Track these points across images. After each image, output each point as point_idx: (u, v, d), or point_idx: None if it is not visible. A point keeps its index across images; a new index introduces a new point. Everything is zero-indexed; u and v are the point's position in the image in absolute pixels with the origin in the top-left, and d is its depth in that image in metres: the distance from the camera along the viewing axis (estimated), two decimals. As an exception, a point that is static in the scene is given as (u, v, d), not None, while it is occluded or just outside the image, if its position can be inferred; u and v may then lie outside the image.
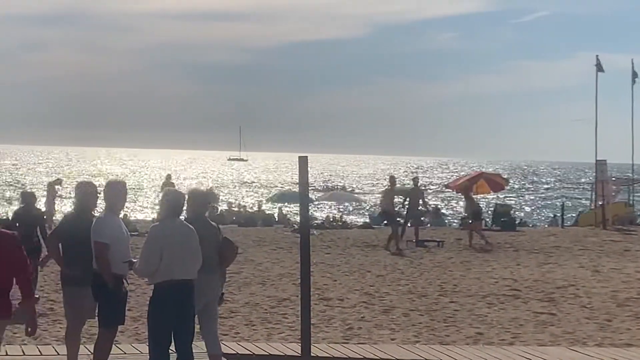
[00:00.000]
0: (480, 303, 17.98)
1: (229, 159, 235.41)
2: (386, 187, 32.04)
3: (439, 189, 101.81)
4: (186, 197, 10.55)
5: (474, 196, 33.85)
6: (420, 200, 30.88)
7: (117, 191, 10.40)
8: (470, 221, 31.38)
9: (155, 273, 9.53)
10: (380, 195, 31.06)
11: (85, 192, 10.80)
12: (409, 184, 46.10)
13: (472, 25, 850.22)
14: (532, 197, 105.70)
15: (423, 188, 32.31)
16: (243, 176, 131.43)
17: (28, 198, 18.48)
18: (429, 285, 20.37)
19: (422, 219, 33.38)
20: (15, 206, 28.69)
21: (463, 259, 25.93)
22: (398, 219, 29.50)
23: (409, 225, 30.16)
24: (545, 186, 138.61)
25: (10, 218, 20.83)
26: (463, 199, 32.95)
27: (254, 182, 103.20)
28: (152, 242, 9.58)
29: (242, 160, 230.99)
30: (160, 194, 11.37)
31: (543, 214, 75.31)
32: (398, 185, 34.28)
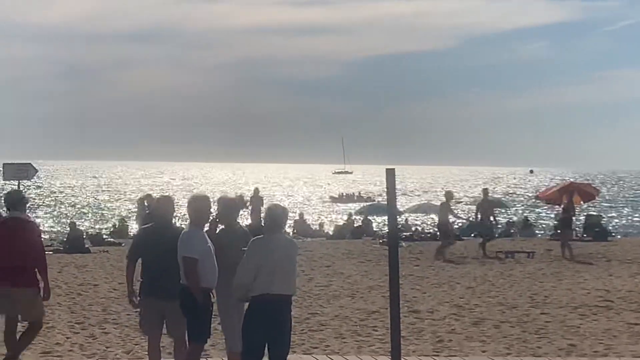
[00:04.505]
0: (572, 314, 17.74)
1: (334, 172, 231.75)
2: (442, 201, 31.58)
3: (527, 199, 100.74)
4: (216, 204, 10.98)
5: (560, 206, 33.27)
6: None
7: (201, 206, 10.52)
8: (558, 231, 31.00)
9: (251, 286, 9.54)
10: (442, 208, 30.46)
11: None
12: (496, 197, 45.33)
13: (561, 34, 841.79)
14: (623, 207, 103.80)
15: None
16: (351, 189, 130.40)
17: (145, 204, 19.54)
18: (520, 296, 20.15)
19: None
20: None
21: (554, 269, 25.62)
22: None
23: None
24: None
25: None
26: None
27: (362, 195, 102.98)
28: (250, 256, 9.58)
29: (347, 172, 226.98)
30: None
31: (636, 224, 73.94)
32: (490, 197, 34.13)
